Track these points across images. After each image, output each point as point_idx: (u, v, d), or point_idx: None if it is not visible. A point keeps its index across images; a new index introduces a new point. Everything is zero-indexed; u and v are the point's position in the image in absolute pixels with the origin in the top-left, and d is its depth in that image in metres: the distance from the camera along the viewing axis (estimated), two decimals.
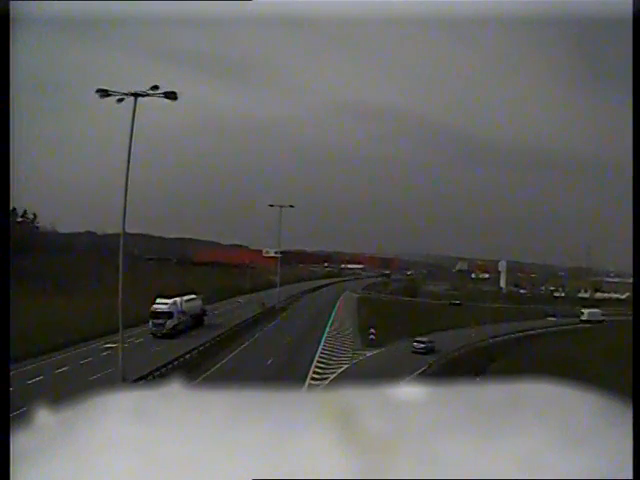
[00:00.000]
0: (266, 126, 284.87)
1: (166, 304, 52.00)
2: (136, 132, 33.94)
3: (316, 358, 45.61)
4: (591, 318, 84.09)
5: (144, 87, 33.32)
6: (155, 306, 51.83)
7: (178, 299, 52.97)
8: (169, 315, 51.12)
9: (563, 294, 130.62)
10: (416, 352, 49.86)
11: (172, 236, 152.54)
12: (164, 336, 49.46)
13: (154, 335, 50.00)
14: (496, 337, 60.06)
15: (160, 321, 50.67)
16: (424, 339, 52.44)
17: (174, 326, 51.12)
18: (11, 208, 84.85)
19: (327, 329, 60.39)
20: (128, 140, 32.88)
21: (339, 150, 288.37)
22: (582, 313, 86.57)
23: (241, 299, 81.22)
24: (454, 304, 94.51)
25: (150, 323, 51.06)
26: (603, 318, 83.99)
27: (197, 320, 56.75)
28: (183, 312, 52.45)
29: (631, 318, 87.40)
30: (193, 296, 58.18)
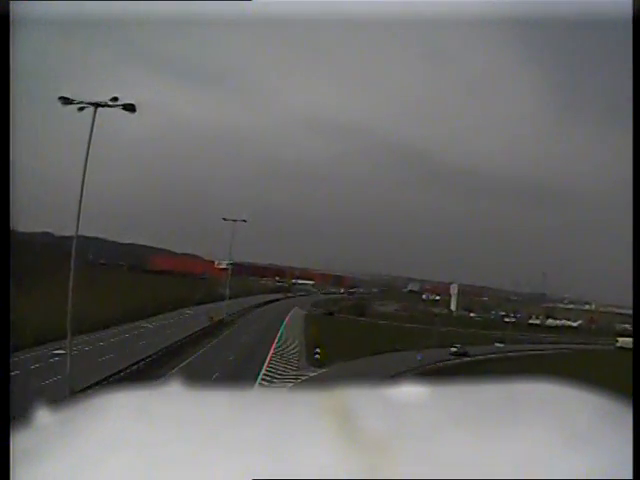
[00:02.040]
0: (228, 137, 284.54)
1: None
2: (98, 137, 35.31)
3: (260, 376, 45.28)
4: (624, 346, 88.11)
5: (106, 97, 34.79)
6: None
7: None
8: None
9: (514, 320, 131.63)
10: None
11: (127, 241, 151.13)
12: None
13: None
14: (440, 362, 60.39)
15: None
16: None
17: None
18: None
19: (273, 347, 59.99)
20: (87, 145, 34.03)
21: (298, 165, 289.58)
22: (617, 341, 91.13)
23: (190, 311, 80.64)
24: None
25: None
26: None
27: None
28: None
29: (580, 346, 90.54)
30: None
